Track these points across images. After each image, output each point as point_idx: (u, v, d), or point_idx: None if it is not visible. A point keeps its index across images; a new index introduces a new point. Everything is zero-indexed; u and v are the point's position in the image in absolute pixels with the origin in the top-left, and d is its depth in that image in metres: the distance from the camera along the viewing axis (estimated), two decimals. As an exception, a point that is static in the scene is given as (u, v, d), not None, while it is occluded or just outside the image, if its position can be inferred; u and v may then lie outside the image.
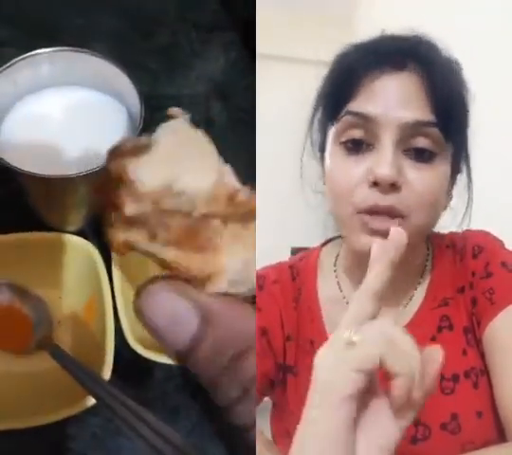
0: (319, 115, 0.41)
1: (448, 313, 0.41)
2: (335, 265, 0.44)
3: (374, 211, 0.37)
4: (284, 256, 0.50)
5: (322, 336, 0.42)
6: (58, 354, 0.49)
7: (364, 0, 1.01)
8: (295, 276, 0.44)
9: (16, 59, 0.49)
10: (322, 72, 0.41)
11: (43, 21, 0.71)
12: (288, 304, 0.43)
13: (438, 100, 0.37)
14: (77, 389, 0.46)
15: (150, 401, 0.53)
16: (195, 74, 0.71)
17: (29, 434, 0.47)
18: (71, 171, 0.46)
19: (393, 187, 0.36)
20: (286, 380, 0.42)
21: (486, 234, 0.43)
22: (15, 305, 0.52)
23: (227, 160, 0.24)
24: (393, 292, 0.42)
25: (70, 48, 0.51)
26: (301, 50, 0.95)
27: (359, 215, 0.37)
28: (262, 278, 0.44)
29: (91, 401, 0.46)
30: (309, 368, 0.42)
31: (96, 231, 0.56)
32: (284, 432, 0.42)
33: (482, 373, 0.39)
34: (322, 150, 0.41)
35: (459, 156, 0.39)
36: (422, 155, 0.37)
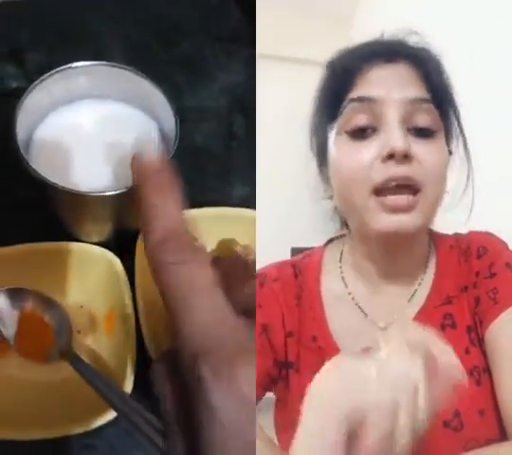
0: (318, 116, 0.42)
1: (452, 311, 0.41)
2: (340, 261, 0.45)
3: (390, 186, 0.38)
4: (284, 256, 0.51)
5: (325, 334, 0.42)
6: (78, 363, 0.49)
7: (364, 0, 1.01)
8: (297, 273, 0.45)
9: (53, 71, 0.49)
10: (322, 72, 0.42)
11: (69, 27, 0.71)
12: (289, 301, 0.44)
13: (429, 81, 0.40)
14: (97, 401, 0.45)
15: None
16: (218, 86, 0.71)
17: (46, 444, 0.47)
18: (101, 184, 0.46)
19: (407, 158, 0.38)
20: (288, 376, 0.43)
21: (491, 235, 0.44)
22: (37, 313, 0.52)
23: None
24: (398, 283, 0.43)
25: (107, 63, 0.51)
26: (301, 50, 0.95)
27: (375, 197, 0.38)
28: (262, 276, 0.45)
29: (111, 415, 0.46)
30: (311, 364, 0.42)
31: (119, 242, 0.56)
32: (287, 427, 0.43)
33: (484, 372, 0.40)
34: (324, 152, 0.42)
35: (448, 137, 0.42)
36: (424, 133, 0.39)
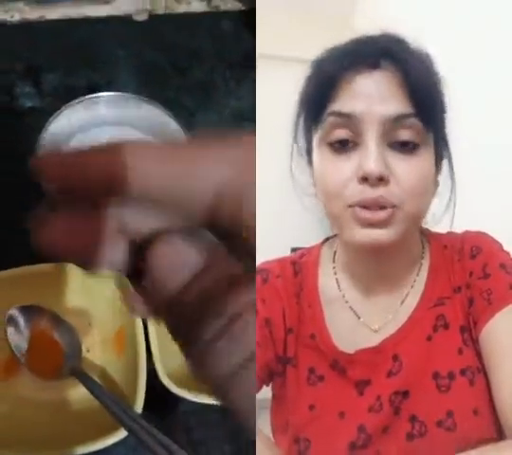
0: (302, 118, 0.42)
1: (444, 312, 0.42)
2: (334, 262, 0.45)
3: (364, 205, 0.38)
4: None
5: (323, 332, 0.43)
6: (88, 381, 0.49)
7: (364, 1, 1.01)
8: (297, 272, 0.45)
9: (75, 101, 0.52)
10: (306, 72, 0.42)
11: (85, 51, 0.73)
12: (290, 299, 0.44)
13: (414, 93, 0.38)
14: (106, 421, 0.45)
15: (173, 434, 0.53)
16: (229, 112, 0.72)
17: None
18: None
19: (381, 180, 0.37)
20: (286, 371, 0.43)
21: (485, 235, 0.44)
22: (47, 330, 0.52)
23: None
24: (390, 285, 0.43)
25: (128, 95, 0.54)
26: (301, 50, 0.95)
27: (351, 209, 0.38)
28: (265, 271, 0.45)
29: (121, 434, 0.46)
30: (309, 361, 0.42)
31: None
32: (284, 424, 0.43)
33: (478, 372, 0.40)
34: (309, 153, 0.42)
35: (440, 143, 0.41)
36: (406, 147, 0.38)
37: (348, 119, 0.38)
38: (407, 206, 0.38)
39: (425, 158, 0.39)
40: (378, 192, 0.38)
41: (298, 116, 0.42)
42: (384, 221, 0.38)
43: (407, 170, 0.38)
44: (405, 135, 0.38)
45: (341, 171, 0.38)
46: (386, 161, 0.38)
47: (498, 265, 0.41)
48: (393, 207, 0.38)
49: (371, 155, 0.37)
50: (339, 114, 0.38)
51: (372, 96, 0.38)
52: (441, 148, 0.41)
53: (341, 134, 0.39)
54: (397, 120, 0.38)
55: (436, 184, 0.42)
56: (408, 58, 0.39)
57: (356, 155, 0.38)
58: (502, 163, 0.83)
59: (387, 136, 0.38)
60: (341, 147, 0.39)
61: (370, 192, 0.38)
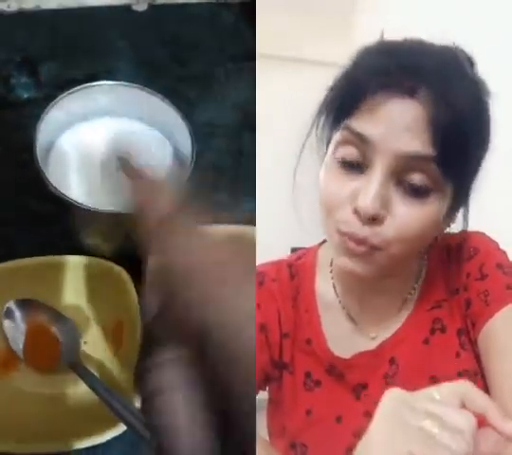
0: (323, 117, 0.39)
1: (441, 315, 0.41)
2: (331, 265, 0.44)
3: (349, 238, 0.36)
4: (284, 256, 0.50)
5: (319, 337, 0.42)
6: (86, 375, 0.49)
7: (364, 1, 1.01)
8: (293, 275, 0.44)
9: (74, 89, 0.51)
10: (322, 72, 0.40)
11: (83, 41, 0.73)
12: (286, 303, 0.43)
13: (442, 134, 0.34)
14: (105, 415, 0.45)
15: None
16: (229, 103, 0.72)
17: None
18: (114, 201, 0.48)
19: (375, 220, 0.35)
20: (282, 377, 0.43)
21: (482, 235, 0.43)
22: (44, 325, 0.52)
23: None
24: (387, 296, 0.42)
25: (127, 84, 0.53)
26: (302, 50, 0.95)
27: (339, 236, 0.36)
28: (261, 274, 0.44)
29: (120, 428, 0.46)
30: (305, 366, 0.42)
31: (128, 256, 0.56)
32: (280, 428, 0.43)
33: (475, 375, 0.40)
34: (328, 143, 0.40)
35: (460, 194, 0.37)
36: (415, 191, 0.35)
37: (361, 141, 0.35)
38: (395, 247, 0.36)
39: (433, 206, 0.35)
40: (366, 232, 0.35)
41: (320, 112, 0.39)
42: (365, 255, 0.36)
43: (408, 214, 0.35)
44: (417, 178, 0.35)
45: (341, 190, 0.36)
46: (387, 199, 0.35)
47: (494, 265, 0.41)
48: (380, 248, 0.36)
49: (370, 191, 0.34)
50: (354, 132, 0.35)
51: (394, 125, 0.34)
52: (460, 198, 0.37)
53: (351, 152, 0.36)
54: (412, 160, 0.34)
55: (448, 225, 0.40)
56: (452, 89, 0.34)
57: (361, 179, 0.36)
58: (503, 163, 0.83)
59: (397, 173, 0.35)
60: (348, 165, 0.36)
61: (358, 228, 0.35)
